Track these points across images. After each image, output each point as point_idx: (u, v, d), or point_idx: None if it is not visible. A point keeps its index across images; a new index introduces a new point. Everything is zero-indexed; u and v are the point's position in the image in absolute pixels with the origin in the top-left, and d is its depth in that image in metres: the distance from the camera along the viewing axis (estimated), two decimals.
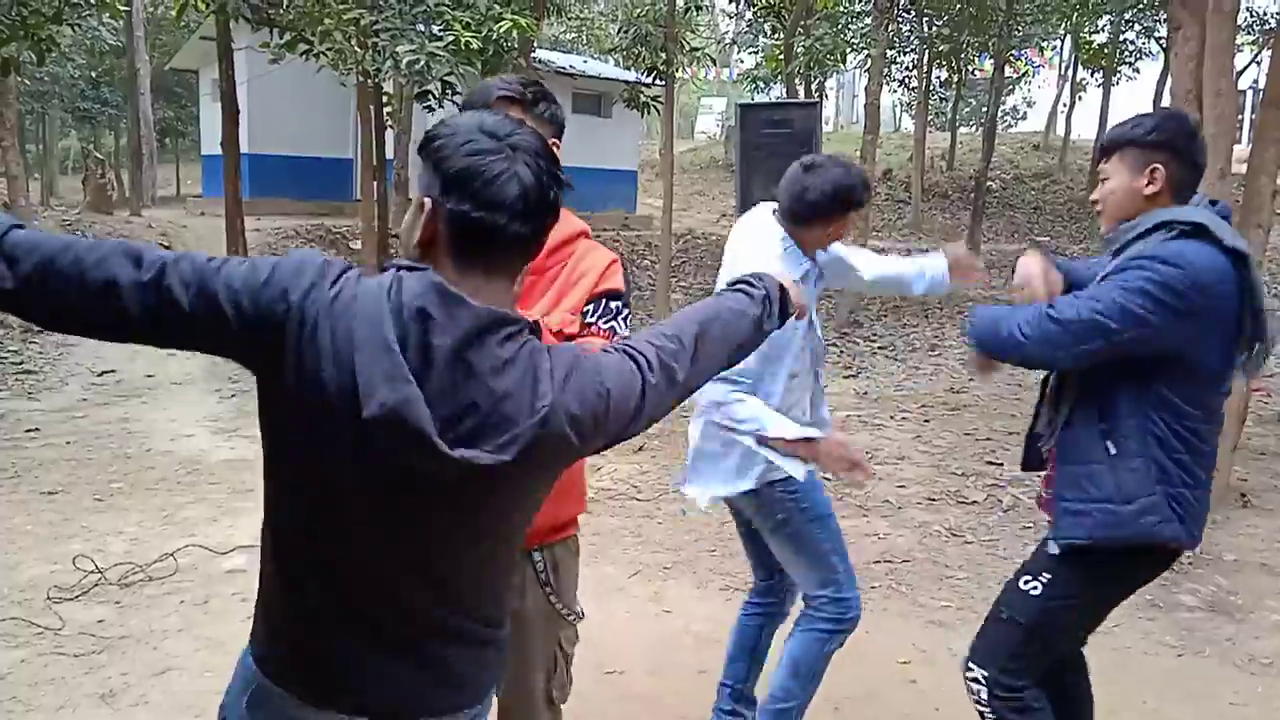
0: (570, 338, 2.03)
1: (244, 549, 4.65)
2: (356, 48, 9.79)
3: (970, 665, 2.37)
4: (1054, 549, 2.28)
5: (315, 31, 9.96)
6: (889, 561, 4.74)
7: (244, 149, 13.10)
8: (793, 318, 1.77)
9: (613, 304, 2.09)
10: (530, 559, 2.07)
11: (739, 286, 1.71)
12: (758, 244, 2.71)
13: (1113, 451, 2.17)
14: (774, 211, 2.75)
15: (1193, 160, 2.22)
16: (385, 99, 12.19)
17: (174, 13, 11.33)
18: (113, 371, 8.69)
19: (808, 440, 2.50)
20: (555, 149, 2.04)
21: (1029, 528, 5.17)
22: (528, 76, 2.06)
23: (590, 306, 2.07)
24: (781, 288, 1.74)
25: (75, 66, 23.02)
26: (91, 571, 4.25)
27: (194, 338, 1.31)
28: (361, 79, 10.69)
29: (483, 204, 1.29)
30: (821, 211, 2.63)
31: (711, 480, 2.77)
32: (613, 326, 2.08)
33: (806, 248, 2.71)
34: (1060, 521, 2.27)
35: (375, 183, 12.28)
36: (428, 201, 1.32)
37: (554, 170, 1.36)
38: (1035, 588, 2.30)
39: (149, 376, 8.61)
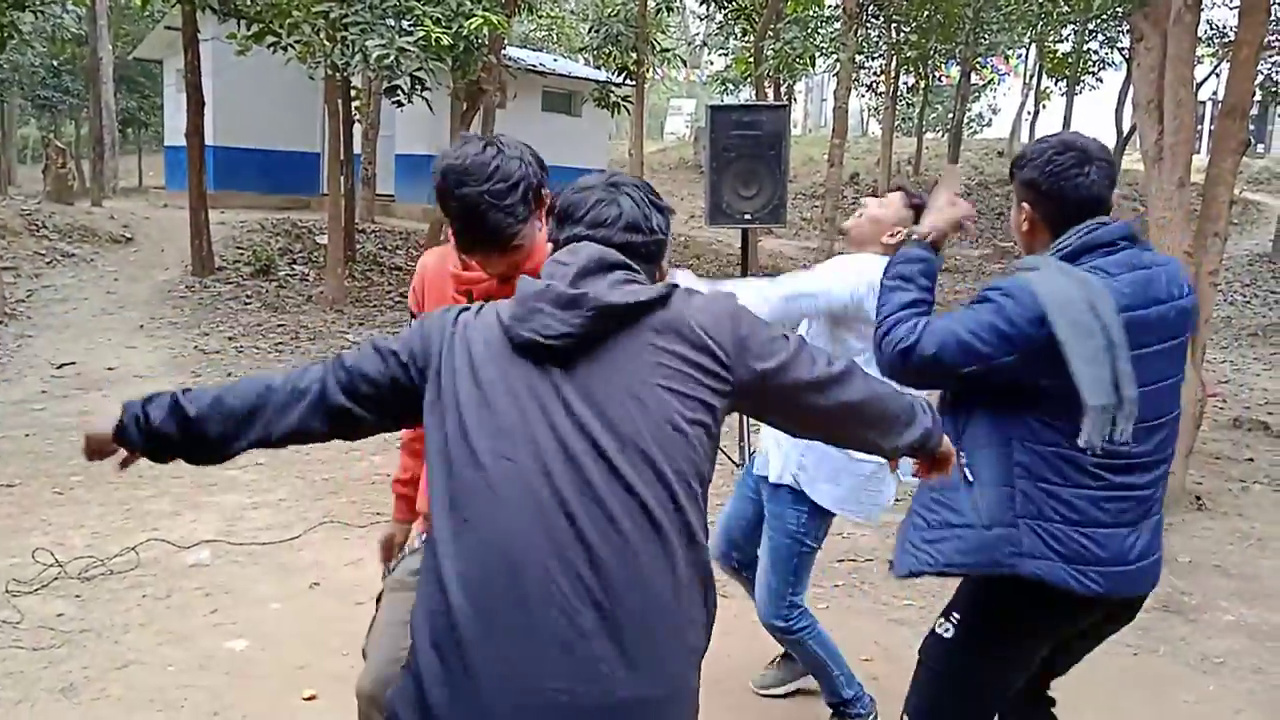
0: None
1: (207, 543, 4.61)
2: (325, 41, 9.73)
3: (904, 717, 2.25)
4: (902, 572, 2.20)
5: (283, 24, 9.88)
6: (853, 560, 4.80)
7: (209, 141, 12.95)
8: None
9: None
10: None
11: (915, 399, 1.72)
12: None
13: (969, 479, 2.03)
14: None
15: (1060, 197, 2.03)
16: (353, 93, 12.13)
17: (138, 1, 11.19)
18: (72, 364, 8.56)
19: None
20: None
21: None
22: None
23: None
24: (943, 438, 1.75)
25: (36, 54, 22.63)
26: (51, 565, 4.20)
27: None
28: (330, 73, 10.61)
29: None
30: None
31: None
32: None
33: None
34: (915, 546, 2.17)
35: (342, 177, 12.19)
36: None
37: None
38: (947, 630, 2.19)
39: (110, 369, 8.49)
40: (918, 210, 2.80)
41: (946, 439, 1.76)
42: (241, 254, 12.94)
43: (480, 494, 1.42)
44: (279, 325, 10.46)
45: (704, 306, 1.52)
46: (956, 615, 2.18)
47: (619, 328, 1.47)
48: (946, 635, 2.18)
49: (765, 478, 2.95)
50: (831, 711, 3.12)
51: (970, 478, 2.02)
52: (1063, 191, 2.02)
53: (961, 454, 1.98)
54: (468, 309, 1.60)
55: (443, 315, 1.58)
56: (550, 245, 1.61)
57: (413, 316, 2.26)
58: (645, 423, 1.43)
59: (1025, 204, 2.08)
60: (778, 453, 2.89)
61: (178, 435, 1.56)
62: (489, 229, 1.85)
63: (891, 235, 2.81)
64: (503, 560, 1.39)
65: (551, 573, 1.37)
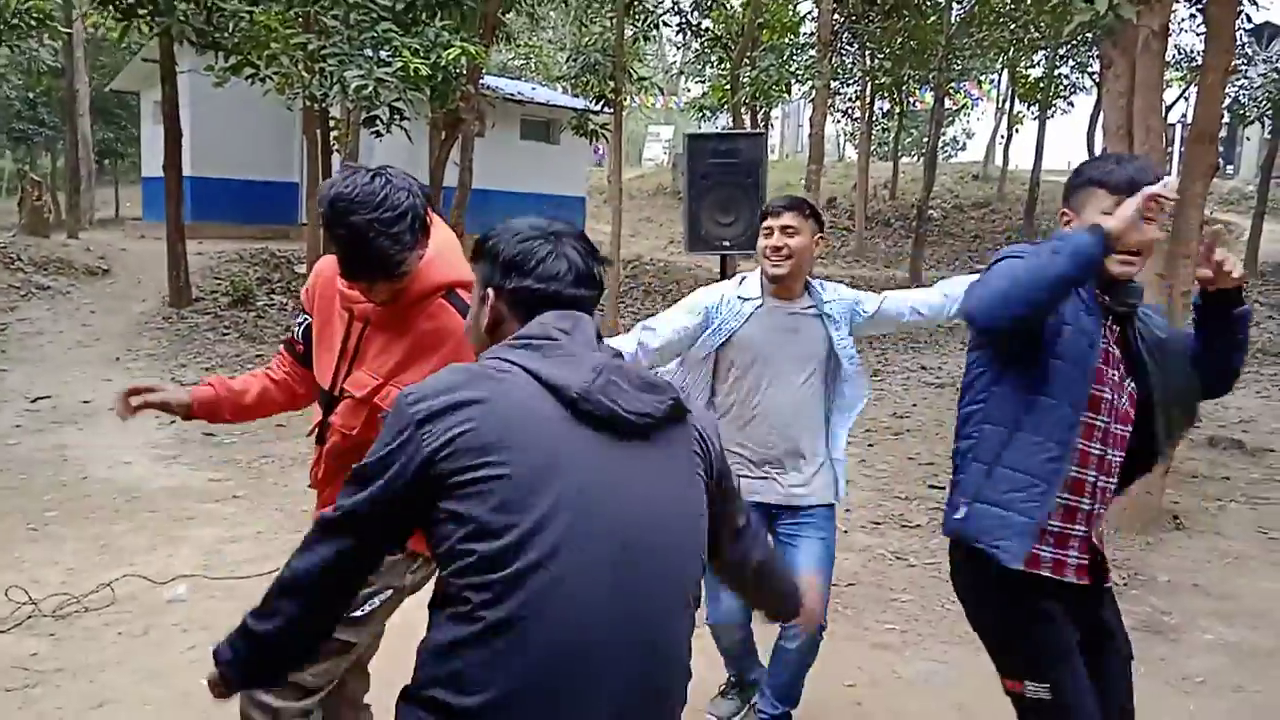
0: None
1: (184, 578, 4.57)
2: (303, 73, 9.73)
3: None
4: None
5: (261, 56, 9.88)
6: (834, 585, 4.75)
7: (187, 172, 12.92)
8: None
9: None
10: None
11: None
12: None
13: None
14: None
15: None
16: (332, 123, 12.12)
17: (115, 35, 11.19)
18: (48, 398, 8.48)
19: None
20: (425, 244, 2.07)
21: None
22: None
23: None
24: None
25: (11, 87, 22.56)
26: (25, 603, 4.14)
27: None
28: (308, 104, 10.62)
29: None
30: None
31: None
32: None
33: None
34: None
35: None
36: None
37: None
38: None
39: (85, 402, 8.41)
40: (816, 217, 2.99)
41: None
42: (219, 285, 12.88)
43: (551, 556, 1.36)
44: (257, 356, 10.40)
45: (702, 414, 1.64)
46: None
47: (677, 422, 1.54)
48: None
49: (792, 507, 3.04)
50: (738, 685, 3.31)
51: None
52: None
53: None
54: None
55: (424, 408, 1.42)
56: (490, 291, 1.57)
57: (302, 310, 2.32)
58: (690, 505, 1.53)
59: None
60: (821, 479, 3.06)
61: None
62: (376, 256, 1.89)
63: (817, 245, 2.99)
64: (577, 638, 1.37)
65: (622, 650, 1.40)
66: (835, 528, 3.11)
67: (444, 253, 2.10)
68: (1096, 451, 2.17)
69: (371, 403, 2.07)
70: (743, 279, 3.09)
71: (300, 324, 2.32)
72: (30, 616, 4.07)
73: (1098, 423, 2.16)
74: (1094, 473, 2.17)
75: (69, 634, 3.97)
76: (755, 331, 2.98)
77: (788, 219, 2.92)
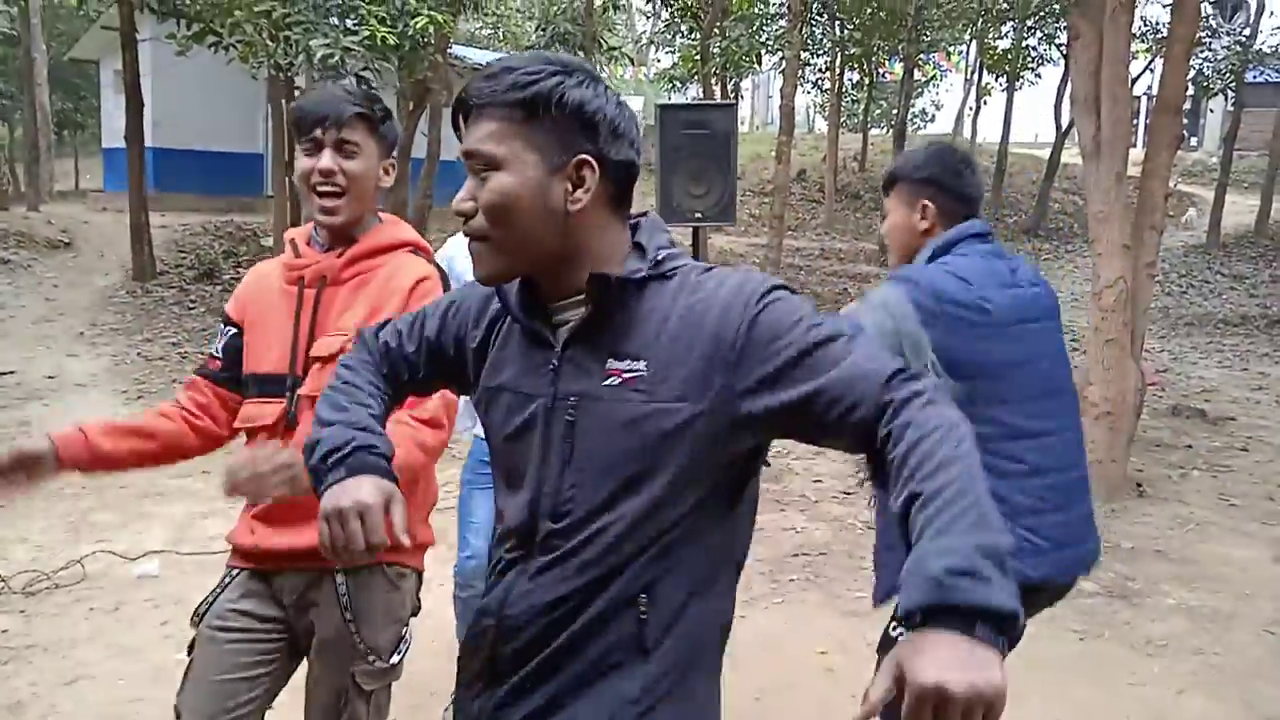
0: None
1: (155, 554, 4.54)
2: (268, 41, 9.58)
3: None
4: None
5: (224, 23, 9.72)
6: (805, 554, 4.85)
7: (149, 143, 12.70)
8: None
9: None
10: (333, 581, 1.93)
11: None
12: None
13: None
14: None
15: (959, 192, 2.28)
16: (298, 93, 11.96)
17: (73, 1, 10.94)
18: (11, 373, 8.36)
19: None
20: (390, 170, 2.01)
21: None
22: (361, 91, 2.01)
23: None
24: None
25: None
26: None
27: None
28: (273, 72, 10.46)
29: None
30: None
31: None
32: None
33: None
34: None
35: (287, 178, 12.02)
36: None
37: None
38: (901, 633, 2.24)
39: (50, 378, 8.30)
40: None
41: None
42: (184, 258, 12.71)
43: None
44: None
45: None
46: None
47: None
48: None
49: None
50: None
51: None
52: (961, 189, 2.29)
53: None
54: None
55: None
56: (594, 162, 1.22)
57: (226, 321, 2.09)
58: None
59: (927, 201, 2.27)
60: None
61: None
62: (332, 96, 1.94)
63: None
64: None
65: None
66: None
67: (400, 224, 2.09)
68: None
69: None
70: None
71: (225, 335, 2.09)
72: (0, 593, 4.04)
73: None
74: None
75: (40, 610, 3.94)
76: None
77: None
